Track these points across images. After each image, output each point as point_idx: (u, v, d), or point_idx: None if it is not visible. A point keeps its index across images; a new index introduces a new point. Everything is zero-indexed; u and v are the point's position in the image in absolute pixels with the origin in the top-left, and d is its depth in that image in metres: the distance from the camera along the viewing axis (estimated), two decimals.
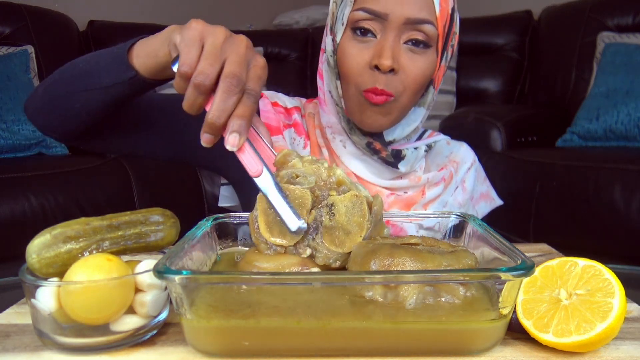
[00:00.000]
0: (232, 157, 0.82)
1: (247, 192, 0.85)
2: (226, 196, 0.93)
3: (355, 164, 0.80)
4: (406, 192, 0.81)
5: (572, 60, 2.23)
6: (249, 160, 0.52)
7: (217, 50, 0.51)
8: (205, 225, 0.61)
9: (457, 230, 0.65)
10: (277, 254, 0.57)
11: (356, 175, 0.80)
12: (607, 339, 0.47)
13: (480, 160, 0.91)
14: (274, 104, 0.84)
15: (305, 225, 0.51)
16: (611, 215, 1.49)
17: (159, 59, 0.61)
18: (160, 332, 0.54)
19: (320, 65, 0.82)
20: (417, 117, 0.80)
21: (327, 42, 0.79)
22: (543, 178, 1.65)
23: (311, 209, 0.52)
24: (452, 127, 2.07)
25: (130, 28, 2.48)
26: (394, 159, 0.79)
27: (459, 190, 0.85)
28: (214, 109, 0.49)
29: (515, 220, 1.70)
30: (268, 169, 0.52)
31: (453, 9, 0.75)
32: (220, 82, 0.50)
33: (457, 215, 0.65)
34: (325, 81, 0.81)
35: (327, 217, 0.51)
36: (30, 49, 2.08)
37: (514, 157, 1.81)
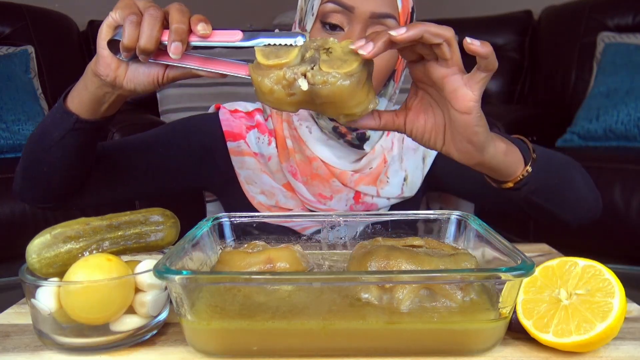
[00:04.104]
0: (215, 165, 0.86)
1: (232, 200, 0.89)
2: (213, 212, 0.99)
3: (320, 149, 0.84)
4: (371, 168, 0.86)
5: (572, 60, 2.22)
6: (224, 35, 0.53)
7: (149, 1, 0.56)
8: (205, 225, 0.61)
9: (457, 230, 0.65)
10: (250, 253, 0.57)
11: (322, 160, 0.84)
12: (607, 339, 0.47)
13: None
14: (233, 112, 0.89)
15: (304, 37, 0.51)
16: (611, 215, 1.48)
17: (89, 88, 0.61)
18: (160, 332, 0.54)
19: None
20: (380, 107, 0.83)
21: None
22: None
23: (305, 53, 0.51)
24: None
25: None
26: (359, 142, 0.83)
27: (407, 139, 0.88)
28: (175, 20, 0.53)
29: (515, 220, 1.70)
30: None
31: (413, 9, 0.80)
32: (169, 7, 0.55)
33: (457, 215, 0.65)
34: None
35: (325, 55, 0.50)
36: (30, 49, 2.08)
37: None
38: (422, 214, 0.67)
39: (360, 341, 0.48)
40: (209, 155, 0.87)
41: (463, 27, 2.49)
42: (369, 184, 0.84)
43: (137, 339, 0.51)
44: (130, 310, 0.51)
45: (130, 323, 0.50)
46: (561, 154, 0.77)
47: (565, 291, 0.50)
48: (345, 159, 0.85)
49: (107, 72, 0.57)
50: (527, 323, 0.49)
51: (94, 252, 0.54)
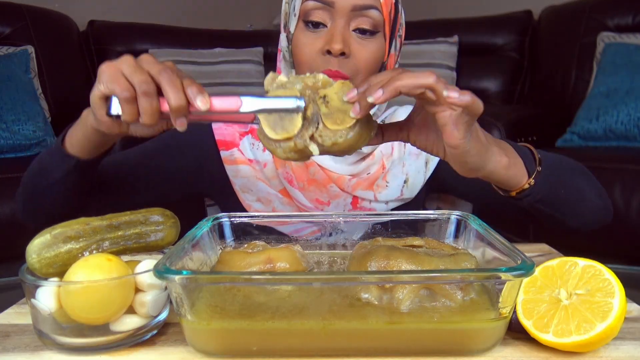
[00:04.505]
0: (210, 175, 0.87)
1: (229, 208, 0.89)
2: (213, 214, 0.98)
3: None
4: (368, 173, 0.85)
5: (572, 60, 2.22)
6: (223, 103, 0.53)
7: (132, 65, 0.53)
8: (205, 225, 0.61)
9: (457, 230, 0.65)
10: (250, 253, 0.58)
11: (319, 165, 0.83)
12: (607, 339, 0.47)
13: None
14: None
15: (302, 100, 0.52)
16: None
17: (91, 139, 0.62)
18: (160, 332, 0.54)
19: (278, 64, 0.85)
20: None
21: (281, 39, 0.82)
22: None
23: (306, 109, 0.53)
24: None
25: (130, 28, 2.48)
26: None
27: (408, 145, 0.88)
28: (173, 99, 0.51)
29: (515, 220, 1.70)
30: (242, 96, 0.53)
31: (397, 0, 0.79)
32: (159, 79, 0.52)
33: (457, 215, 0.65)
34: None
35: (324, 106, 0.52)
36: (30, 49, 2.08)
37: None
38: (422, 214, 0.67)
39: (360, 341, 0.48)
40: (203, 166, 0.87)
41: (463, 27, 2.50)
42: (366, 188, 0.84)
43: (137, 339, 0.51)
44: (130, 310, 0.51)
45: (130, 323, 0.50)
46: (573, 161, 0.77)
47: (565, 291, 0.50)
48: (343, 161, 0.84)
49: (110, 130, 0.57)
50: (527, 323, 0.49)
51: (94, 252, 0.54)
